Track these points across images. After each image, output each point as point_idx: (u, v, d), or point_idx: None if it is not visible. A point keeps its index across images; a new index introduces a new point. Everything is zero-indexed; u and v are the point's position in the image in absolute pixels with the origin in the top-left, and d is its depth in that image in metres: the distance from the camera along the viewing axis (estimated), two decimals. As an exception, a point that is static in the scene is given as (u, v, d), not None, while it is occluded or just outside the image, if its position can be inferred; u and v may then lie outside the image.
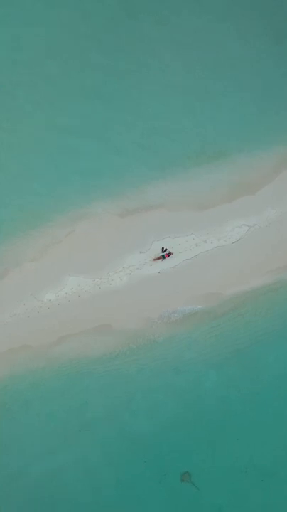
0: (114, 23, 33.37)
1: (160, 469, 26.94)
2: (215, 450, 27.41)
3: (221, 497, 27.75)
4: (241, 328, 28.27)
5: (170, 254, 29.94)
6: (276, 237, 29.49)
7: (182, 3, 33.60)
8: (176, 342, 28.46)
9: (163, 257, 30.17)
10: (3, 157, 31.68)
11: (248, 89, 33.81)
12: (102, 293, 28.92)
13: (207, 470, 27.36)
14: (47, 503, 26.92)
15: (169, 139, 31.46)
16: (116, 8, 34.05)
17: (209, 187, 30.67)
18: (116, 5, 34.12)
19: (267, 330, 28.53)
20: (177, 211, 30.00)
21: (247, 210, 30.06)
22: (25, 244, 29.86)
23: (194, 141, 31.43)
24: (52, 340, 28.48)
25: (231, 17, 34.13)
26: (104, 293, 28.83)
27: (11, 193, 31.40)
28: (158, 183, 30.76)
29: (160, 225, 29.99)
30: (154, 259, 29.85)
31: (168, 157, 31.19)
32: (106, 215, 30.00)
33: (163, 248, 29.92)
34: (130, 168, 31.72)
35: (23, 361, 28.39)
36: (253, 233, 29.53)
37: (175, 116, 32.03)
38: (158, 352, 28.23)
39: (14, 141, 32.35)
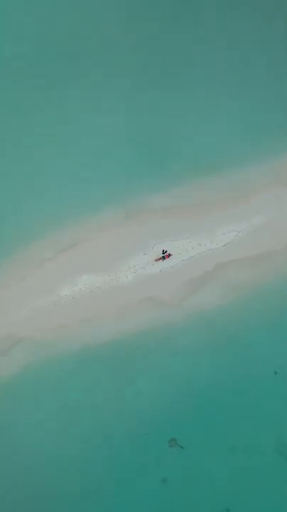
0: (111, 31, 35.90)
1: (157, 439, 29.65)
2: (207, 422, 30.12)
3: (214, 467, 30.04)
4: (230, 315, 30.99)
5: (169, 255, 32.58)
6: (261, 240, 32.27)
7: (182, 13, 36.34)
8: (175, 329, 30.92)
9: (164, 257, 32.69)
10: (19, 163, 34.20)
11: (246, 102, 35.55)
12: (111, 288, 31.94)
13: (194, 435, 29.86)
14: (59, 468, 29.45)
15: (169, 151, 34.09)
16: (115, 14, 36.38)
17: (204, 197, 33.30)
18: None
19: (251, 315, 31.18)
20: (176, 218, 32.87)
21: (236, 218, 32.73)
22: (44, 247, 32.60)
23: (192, 153, 33.97)
24: (66, 328, 30.98)
25: (227, 32, 36.24)
26: (113, 288, 31.89)
27: (33, 201, 33.63)
28: (159, 194, 33.29)
29: (161, 231, 32.88)
30: (156, 260, 32.53)
31: (168, 169, 33.66)
32: (114, 222, 32.79)
33: (163, 250, 32.56)
34: (134, 179, 33.76)
35: (40, 345, 30.91)
36: (241, 237, 32.33)
37: (174, 129, 34.52)
38: (159, 338, 30.79)
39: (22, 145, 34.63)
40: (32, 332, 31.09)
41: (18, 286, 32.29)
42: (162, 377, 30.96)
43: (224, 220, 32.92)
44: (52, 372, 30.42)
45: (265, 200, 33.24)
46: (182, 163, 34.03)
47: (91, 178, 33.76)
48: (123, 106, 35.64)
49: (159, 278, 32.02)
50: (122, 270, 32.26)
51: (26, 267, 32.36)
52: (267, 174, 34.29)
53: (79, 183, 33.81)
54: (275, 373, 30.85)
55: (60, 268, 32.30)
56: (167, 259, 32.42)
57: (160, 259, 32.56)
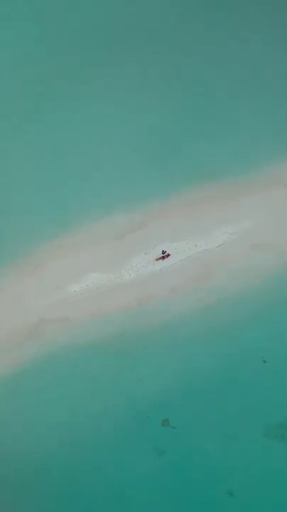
0: (108, 38, 36.96)
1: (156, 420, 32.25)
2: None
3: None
4: (223, 309, 33.17)
5: (168, 255, 34.43)
6: (252, 241, 34.56)
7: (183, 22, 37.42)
8: (174, 323, 33.08)
9: (163, 257, 34.47)
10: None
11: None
12: (115, 285, 33.90)
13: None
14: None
15: (171, 157, 35.51)
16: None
17: (199, 202, 34.95)
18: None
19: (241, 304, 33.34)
20: (175, 221, 34.78)
21: (229, 221, 34.75)
22: (53, 248, 34.40)
23: (192, 159, 35.41)
24: (74, 321, 33.14)
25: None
26: (117, 285, 33.88)
27: (40, 204, 35.10)
28: (160, 199, 35.00)
29: (161, 233, 34.56)
30: (156, 259, 34.41)
31: (169, 176, 35.25)
32: (118, 225, 34.62)
33: (163, 250, 34.43)
34: (136, 186, 35.05)
35: (52, 337, 32.97)
36: (233, 239, 34.55)
37: (176, 136, 35.83)
38: (159, 330, 33.02)
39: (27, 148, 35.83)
40: (43, 325, 33.29)
41: (28, 284, 34.11)
42: (161, 366, 32.72)
43: (217, 223, 34.74)
44: (62, 361, 32.48)
45: (256, 204, 35.01)
46: (183, 170, 35.31)
47: (96, 185, 35.26)
48: (124, 109, 36.41)
49: (159, 276, 34.11)
50: (125, 269, 34.17)
51: (36, 266, 34.16)
52: (260, 179, 35.59)
53: (84, 190, 35.22)
54: (264, 362, 33.00)
55: (68, 267, 34.18)
56: (166, 259, 34.38)
57: (160, 258, 34.42)
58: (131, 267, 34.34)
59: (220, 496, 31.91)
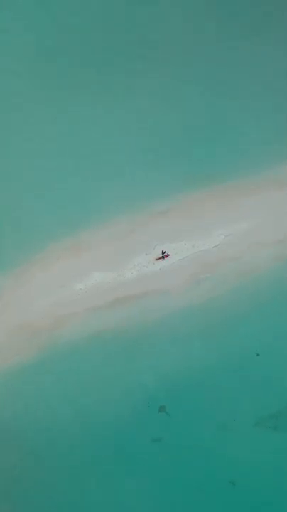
0: (111, 42, 38.17)
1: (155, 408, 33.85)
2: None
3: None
4: (219, 305, 34.75)
5: (168, 255, 35.81)
6: (247, 242, 36.16)
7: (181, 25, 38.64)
8: (173, 318, 34.59)
9: (163, 257, 35.73)
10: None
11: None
12: (118, 283, 35.32)
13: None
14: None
15: (172, 159, 36.94)
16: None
17: (198, 204, 36.41)
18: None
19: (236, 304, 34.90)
20: (174, 223, 36.31)
21: (224, 222, 36.21)
22: (60, 249, 35.85)
23: (192, 162, 36.86)
24: (80, 316, 34.69)
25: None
26: (120, 283, 35.31)
27: (46, 207, 36.43)
28: (160, 201, 36.42)
29: (161, 234, 35.98)
30: (156, 259, 35.82)
31: (169, 178, 36.62)
32: (121, 227, 36.12)
33: (162, 251, 35.82)
34: (138, 189, 36.41)
35: (59, 331, 34.42)
36: (228, 240, 36.03)
37: (178, 139, 37.21)
38: (159, 324, 34.59)
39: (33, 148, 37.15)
40: (51, 321, 34.87)
41: (37, 282, 35.62)
42: (161, 358, 34.27)
43: (214, 224, 36.27)
44: (68, 353, 34.24)
45: (252, 205, 36.45)
46: (183, 173, 36.81)
47: (101, 188, 36.83)
48: (124, 111, 37.55)
49: (159, 275, 35.66)
50: (128, 268, 35.65)
51: (45, 265, 35.79)
52: (257, 181, 36.98)
53: (88, 193, 36.82)
54: (257, 355, 34.69)
55: (74, 266, 35.75)
56: (166, 259, 35.83)
57: (160, 258, 35.82)
58: (132, 266, 35.80)
59: (219, 484, 33.50)
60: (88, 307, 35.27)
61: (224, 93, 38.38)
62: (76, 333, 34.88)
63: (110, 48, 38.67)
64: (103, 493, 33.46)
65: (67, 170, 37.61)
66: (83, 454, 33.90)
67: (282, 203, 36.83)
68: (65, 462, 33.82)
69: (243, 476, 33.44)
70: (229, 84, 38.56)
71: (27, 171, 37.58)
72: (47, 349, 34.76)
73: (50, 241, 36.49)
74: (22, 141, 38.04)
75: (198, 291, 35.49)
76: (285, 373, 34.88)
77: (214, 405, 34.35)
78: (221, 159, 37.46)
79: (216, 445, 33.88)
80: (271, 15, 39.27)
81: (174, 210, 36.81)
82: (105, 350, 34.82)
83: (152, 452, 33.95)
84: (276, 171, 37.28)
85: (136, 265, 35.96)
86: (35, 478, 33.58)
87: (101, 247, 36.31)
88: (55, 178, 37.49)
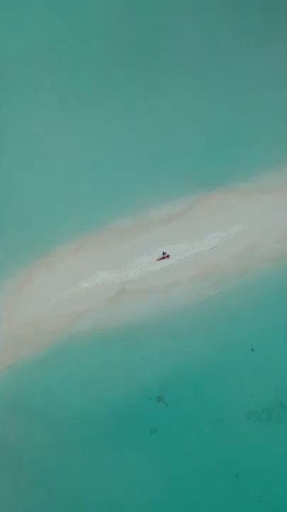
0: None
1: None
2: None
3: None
4: (217, 303, 36.06)
5: (168, 256, 36.98)
6: (241, 243, 37.73)
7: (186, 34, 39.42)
8: (172, 315, 35.78)
9: (163, 258, 36.87)
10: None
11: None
12: (122, 282, 36.55)
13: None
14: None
15: (172, 165, 38.20)
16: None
17: (196, 208, 37.62)
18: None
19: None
20: (173, 226, 37.40)
21: (221, 226, 37.69)
22: (66, 250, 36.92)
23: (192, 169, 38.18)
24: (86, 313, 35.96)
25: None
26: (123, 282, 36.53)
27: (52, 210, 37.43)
28: (160, 206, 37.84)
29: (161, 236, 37.27)
30: (157, 259, 36.98)
31: (169, 184, 37.98)
32: (124, 230, 37.26)
33: (163, 252, 37.00)
34: (140, 194, 37.72)
35: (66, 328, 35.50)
36: (224, 242, 37.64)
37: (178, 148, 38.33)
38: (160, 321, 35.77)
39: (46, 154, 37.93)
40: (58, 317, 36.06)
41: (44, 281, 36.58)
42: (161, 353, 35.12)
43: (211, 227, 37.74)
44: (74, 348, 35.20)
45: (244, 210, 37.98)
46: (182, 179, 38.04)
47: (104, 193, 38.07)
48: (125, 117, 38.58)
49: (160, 274, 36.93)
50: (130, 268, 36.83)
51: (51, 265, 36.77)
52: (252, 187, 38.32)
53: (94, 197, 37.96)
54: (252, 350, 35.89)
55: (80, 266, 36.89)
56: (166, 259, 37.05)
57: (160, 259, 36.98)
58: (135, 266, 37.03)
59: (216, 474, 34.01)
60: (93, 304, 36.37)
61: (223, 102, 39.73)
62: (81, 329, 36.04)
63: (114, 53, 39.73)
64: (102, 483, 34.25)
65: (73, 175, 38.57)
66: (85, 443, 34.78)
67: (273, 207, 38.62)
68: (67, 453, 34.70)
69: (244, 467, 34.26)
70: (229, 94, 39.89)
71: (32, 174, 38.52)
72: (54, 344, 35.84)
73: (56, 242, 37.53)
74: (26, 144, 38.94)
75: (196, 289, 36.81)
76: (278, 367, 36.19)
77: (211, 398, 35.10)
78: (218, 167, 38.84)
79: (212, 436, 34.67)
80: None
81: (173, 214, 38.05)
82: (109, 344, 35.63)
83: (151, 443, 34.74)
84: (267, 178, 39.09)
85: (138, 265, 37.23)
86: (37, 466, 34.46)
87: (105, 248, 37.58)
88: (61, 183, 38.43)
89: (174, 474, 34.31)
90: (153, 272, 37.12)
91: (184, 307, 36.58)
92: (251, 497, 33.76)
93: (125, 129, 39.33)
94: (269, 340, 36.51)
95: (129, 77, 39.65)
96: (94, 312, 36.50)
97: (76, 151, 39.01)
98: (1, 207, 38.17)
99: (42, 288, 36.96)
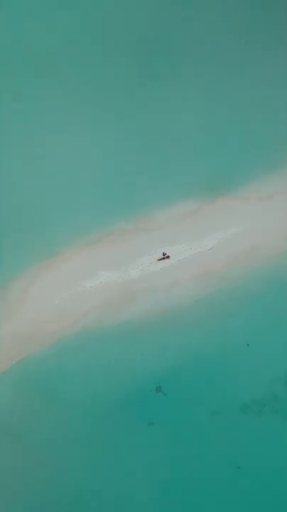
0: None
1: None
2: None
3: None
4: (214, 300, 37.41)
5: (168, 256, 38.16)
6: (237, 244, 38.94)
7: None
8: (172, 311, 37.07)
9: (164, 258, 38.01)
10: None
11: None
12: (124, 281, 37.70)
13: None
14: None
15: (172, 170, 39.30)
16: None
17: (194, 211, 38.91)
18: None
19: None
20: (173, 228, 38.75)
21: (218, 228, 38.96)
22: (71, 251, 37.96)
23: (192, 175, 39.29)
24: (91, 312, 37.01)
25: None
26: (125, 281, 37.69)
27: (58, 213, 38.48)
28: (160, 210, 38.97)
29: (162, 238, 38.49)
30: (158, 260, 38.14)
31: (170, 189, 39.16)
32: (126, 231, 38.47)
33: (163, 252, 38.13)
34: (141, 198, 38.86)
35: (71, 325, 36.64)
36: (222, 243, 38.77)
37: (178, 154, 39.39)
38: (160, 317, 36.93)
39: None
40: (63, 315, 37.27)
41: (49, 281, 37.66)
42: (161, 347, 36.58)
43: (208, 229, 38.91)
44: (80, 342, 36.49)
45: (241, 213, 39.42)
46: (181, 183, 39.27)
47: (108, 196, 39.07)
48: (126, 122, 39.53)
49: (160, 273, 38.20)
50: (132, 268, 37.99)
51: (57, 266, 37.82)
52: (245, 193, 39.53)
53: (97, 200, 38.87)
54: (247, 345, 37.22)
55: (84, 266, 38.01)
56: (166, 260, 38.28)
57: (161, 259, 38.17)
58: (136, 266, 38.21)
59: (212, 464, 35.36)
60: (97, 302, 37.61)
61: (224, 105, 40.71)
62: (86, 326, 37.36)
63: (115, 53, 40.60)
64: (102, 475, 35.44)
65: (75, 177, 39.40)
66: (87, 437, 35.99)
67: (267, 211, 40.04)
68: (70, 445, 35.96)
69: (238, 459, 35.57)
70: (231, 99, 40.91)
71: (35, 176, 39.26)
72: (59, 341, 36.94)
73: (61, 244, 38.64)
74: (32, 147, 39.66)
75: (195, 287, 38.11)
76: (272, 362, 37.69)
77: (208, 391, 36.54)
78: (218, 170, 40.03)
79: (208, 428, 36.06)
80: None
81: (173, 217, 39.35)
82: (111, 341, 37.03)
83: (149, 433, 36.02)
84: (262, 184, 40.44)
85: (139, 265, 38.41)
86: (38, 461, 35.72)
87: (107, 249, 38.61)
88: (64, 185, 39.30)
89: (171, 463, 35.70)
90: (154, 271, 38.31)
91: (183, 305, 37.85)
92: (248, 488, 35.12)
93: (126, 130, 40.37)
94: (264, 336, 38.01)
95: (131, 78, 40.96)
96: (97, 310, 37.68)
97: (78, 152, 39.88)
98: (5, 209, 38.98)
99: (46, 288, 37.96)
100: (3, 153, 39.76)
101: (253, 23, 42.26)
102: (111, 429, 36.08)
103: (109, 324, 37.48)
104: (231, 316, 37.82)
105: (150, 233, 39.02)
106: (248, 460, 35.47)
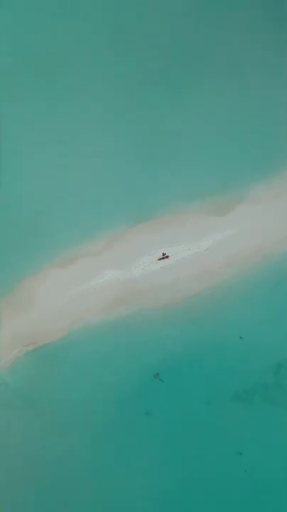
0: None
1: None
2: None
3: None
4: (210, 296, 39.65)
5: (167, 256, 40.00)
6: (233, 245, 40.98)
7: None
8: (172, 307, 39.16)
9: (163, 258, 39.82)
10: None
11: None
12: (126, 280, 39.62)
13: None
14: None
15: (171, 174, 41.12)
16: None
17: (194, 214, 41.05)
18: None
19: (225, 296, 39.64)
20: (173, 229, 40.71)
21: (214, 229, 41.00)
22: (76, 252, 40.07)
23: (190, 179, 41.07)
24: (96, 308, 38.96)
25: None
26: (128, 279, 39.63)
27: (64, 217, 40.61)
28: (160, 212, 40.98)
29: (162, 238, 40.38)
30: (158, 259, 39.92)
31: (170, 194, 41.13)
32: (127, 232, 40.43)
33: (163, 253, 39.96)
34: (142, 201, 40.73)
35: (80, 319, 38.73)
36: (217, 244, 40.77)
37: (178, 160, 41.28)
38: (161, 313, 39.15)
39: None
40: (71, 310, 39.68)
41: (57, 280, 39.69)
42: (162, 339, 38.68)
43: (205, 231, 40.88)
44: (86, 337, 38.91)
45: (235, 217, 41.55)
46: (180, 187, 41.07)
47: (111, 200, 41.19)
48: (128, 124, 41.02)
49: (160, 272, 40.11)
50: (134, 267, 39.89)
51: (64, 265, 39.94)
52: (238, 197, 41.59)
53: (102, 205, 41.10)
54: (241, 338, 39.35)
55: (88, 266, 39.94)
56: (166, 259, 40.11)
57: (161, 259, 39.96)
58: (138, 266, 40.16)
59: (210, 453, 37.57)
60: (102, 298, 39.67)
61: (224, 107, 42.40)
62: (91, 320, 39.55)
63: (116, 54, 42.25)
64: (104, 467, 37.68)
65: (77, 179, 41.19)
66: (87, 426, 38.17)
67: (259, 215, 42.10)
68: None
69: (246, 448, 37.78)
70: (230, 105, 42.70)
71: (38, 178, 40.86)
72: (68, 334, 39.37)
73: (69, 245, 40.83)
74: (36, 149, 41.16)
75: (193, 284, 40.21)
76: (263, 354, 39.87)
77: (204, 381, 38.97)
78: (218, 172, 42.14)
79: (202, 416, 38.21)
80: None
81: (172, 219, 41.36)
82: (115, 334, 39.21)
83: (148, 422, 38.13)
84: (254, 189, 42.52)
85: (141, 264, 40.28)
86: (38, 457, 37.91)
87: (110, 249, 40.67)
88: (67, 188, 41.10)
89: (167, 450, 37.83)
90: (154, 270, 40.32)
91: (181, 300, 39.98)
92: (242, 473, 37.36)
93: (126, 132, 42.07)
94: (256, 330, 40.44)
95: (132, 79, 42.84)
96: (102, 306, 39.92)
97: (79, 154, 41.66)
98: (13, 214, 40.76)
99: (55, 286, 40.01)
100: (14, 162, 41.85)
101: (253, 23, 44.64)
102: (112, 416, 38.64)
103: (113, 318, 39.66)
104: (227, 311, 39.90)
105: (151, 234, 40.97)
106: (241, 446, 37.77)
